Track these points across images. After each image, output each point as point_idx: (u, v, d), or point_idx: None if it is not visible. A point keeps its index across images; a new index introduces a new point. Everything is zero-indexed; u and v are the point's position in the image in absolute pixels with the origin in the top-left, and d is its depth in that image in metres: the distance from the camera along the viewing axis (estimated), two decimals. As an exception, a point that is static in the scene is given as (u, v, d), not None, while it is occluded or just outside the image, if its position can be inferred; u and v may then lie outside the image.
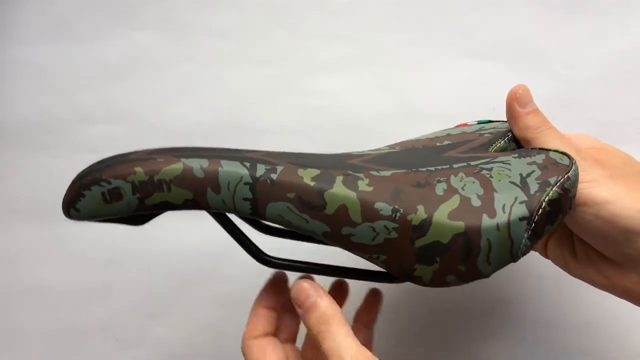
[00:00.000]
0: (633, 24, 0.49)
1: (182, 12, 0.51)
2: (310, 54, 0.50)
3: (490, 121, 0.42)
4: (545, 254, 0.37)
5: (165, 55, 0.50)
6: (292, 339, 0.36)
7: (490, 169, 0.33)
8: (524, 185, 0.31)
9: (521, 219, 0.30)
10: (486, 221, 0.30)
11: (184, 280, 0.48)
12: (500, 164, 0.33)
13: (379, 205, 0.31)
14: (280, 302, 0.35)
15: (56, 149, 0.50)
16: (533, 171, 0.32)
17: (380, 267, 0.32)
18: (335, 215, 0.31)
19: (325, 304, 0.31)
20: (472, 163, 0.34)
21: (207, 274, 0.48)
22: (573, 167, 0.32)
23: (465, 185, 0.32)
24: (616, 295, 0.33)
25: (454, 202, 0.31)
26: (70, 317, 0.48)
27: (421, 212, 0.31)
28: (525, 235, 0.30)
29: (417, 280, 0.32)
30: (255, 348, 0.33)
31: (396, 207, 0.31)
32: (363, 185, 0.32)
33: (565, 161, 0.33)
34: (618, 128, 0.48)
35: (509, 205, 0.31)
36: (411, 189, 0.32)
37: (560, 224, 0.32)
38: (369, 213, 0.31)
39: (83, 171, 0.33)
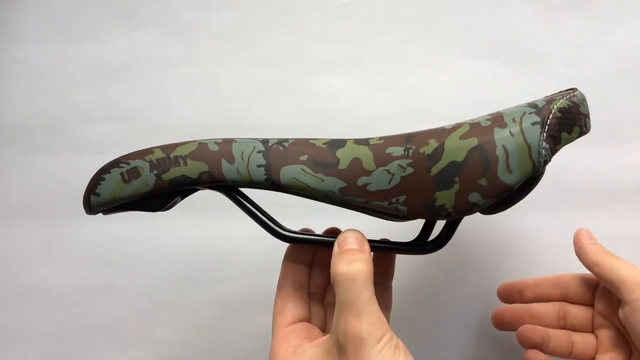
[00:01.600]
0: (633, 24, 0.49)
1: (182, 12, 0.51)
2: (310, 54, 0.50)
3: None
4: None
5: (165, 55, 0.50)
6: (321, 294, 0.37)
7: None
8: (531, 105, 0.32)
9: (533, 123, 0.31)
10: (498, 132, 0.31)
11: (184, 281, 0.48)
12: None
13: (390, 149, 0.32)
14: (308, 259, 0.37)
15: (56, 149, 0.50)
16: (538, 99, 0.33)
17: (402, 213, 0.32)
18: (349, 168, 0.32)
19: (362, 257, 0.30)
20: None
21: (207, 275, 0.48)
22: (578, 90, 0.34)
23: (474, 119, 0.33)
24: None
25: (463, 129, 0.32)
26: (70, 317, 0.48)
27: (432, 143, 0.32)
28: (541, 137, 0.30)
29: (443, 212, 0.31)
30: (279, 300, 0.34)
31: (408, 146, 0.32)
32: (374, 140, 0.33)
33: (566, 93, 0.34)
34: (618, 128, 0.48)
35: (518, 117, 0.31)
36: (422, 132, 0.33)
37: (619, 346, 0.38)
38: (382, 158, 0.32)
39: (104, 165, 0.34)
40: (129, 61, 0.50)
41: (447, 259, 0.47)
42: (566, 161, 0.49)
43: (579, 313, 0.41)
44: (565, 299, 0.41)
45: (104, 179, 0.33)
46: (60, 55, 0.51)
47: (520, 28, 0.50)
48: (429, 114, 0.49)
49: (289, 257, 0.36)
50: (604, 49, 0.49)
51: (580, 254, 0.39)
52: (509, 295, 0.43)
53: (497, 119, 0.32)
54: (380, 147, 0.32)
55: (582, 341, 0.40)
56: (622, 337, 0.38)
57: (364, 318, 0.28)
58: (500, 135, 0.31)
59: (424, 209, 0.32)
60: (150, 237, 0.48)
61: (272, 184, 0.33)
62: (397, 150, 0.32)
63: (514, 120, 0.31)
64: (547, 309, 0.41)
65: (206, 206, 0.48)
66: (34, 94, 0.50)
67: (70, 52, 0.51)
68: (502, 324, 0.42)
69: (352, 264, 0.30)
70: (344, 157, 0.32)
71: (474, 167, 0.31)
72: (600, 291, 0.40)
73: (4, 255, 0.49)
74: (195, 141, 0.33)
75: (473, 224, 0.47)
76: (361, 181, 0.32)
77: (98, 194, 0.33)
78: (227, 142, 0.33)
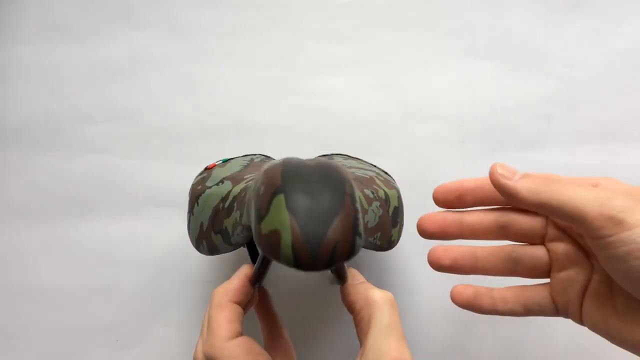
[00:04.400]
0: (633, 24, 0.49)
1: (182, 12, 0.51)
2: (311, 54, 0.50)
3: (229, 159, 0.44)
4: (580, 319, 0.31)
5: (165, 55, 0.50)
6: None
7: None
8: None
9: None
10: (395, 189, 0.40)
11: (183, 280, 0.48)
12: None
13: (366, 191, 0.35)
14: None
15: (56, 149, 0.50)
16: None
17: (376, 247, 0.36)
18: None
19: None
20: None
21: (207, 274, 0.48)
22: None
23: (367, 170, 0.41)
24: None
25: (380, 180, 0.39)
26: (70, 317, 0.48)
27: (379, 190, 0.37)
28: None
29: (393, 244, 0.38)
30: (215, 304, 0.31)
31: (372, 190, 0.36)
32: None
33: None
34: (618, 128, 0.48)
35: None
36: (361, 180, 0.38)
37: (602, 279, 0.30)
38: (368, 199, 0.35)
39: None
40: (129, 61, 0.50)
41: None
42: (566, 161, 0.49)
43: (526, 223, 0.32)
44: (511, 206, 0.33)
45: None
46: (60, 55, 0.51)
47: (520, 28, 0.50)
48: (429, 114, 0.50)
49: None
50: (604, 49, 0.49)
51: (511, 198, 0.29)
52: (445, 200, 0.33)
53: (384, 177, 0.41)
54: (361, 189, 0.34)
55: (530, 257, 0.32)
56: (582, 250, 0.31)
57: (404, 341, 0.28)
58: (399, 190, 0.40)
59: (387, 244, 0.36)
60: (150, 237, 0.48)
61: None
62: (369, 193, 0.35)
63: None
64: (483, 218, 0.33)
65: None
66: (34, 94, 0.50)
67: (70, 52, 0.51)
68: (425, 232, 0.34)
69: (383, 292, 0.30)
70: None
71: (402, 210, 0.39)
72: None
73: (3, 255, 0.49)
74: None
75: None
76: (366, 219, 0.33)
77: (361, 234, 0.28)
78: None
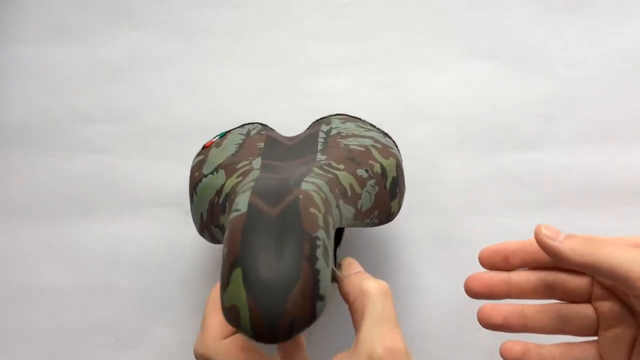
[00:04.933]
0: (633, 24, 0.49)
1: (182, 12, 0.51)
2: (311, 54, 0.50)
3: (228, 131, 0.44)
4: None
5: (165, 55, 0.50)
6: None
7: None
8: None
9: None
10: (395, 153, 0.39)
11: (184, 281, 0.48)
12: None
13: (359, 172, 0.35)
14: None
15: (56, 149, 0.50)
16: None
17: (373, 225, 0.37)
18: (352, 194, 0.34)
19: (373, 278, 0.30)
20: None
21: (207, 274, 0.48)
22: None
23: (362, 136, 0.40)
24: None
25: (376, 149, 0.38)
26: (70, 317, 0.48)
27: (375, 163, 0.36)
28: None
29: (393, 217, 0.39)
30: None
31: (365, 168, 0.36)
32: (337, 165, 0.35)
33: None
34: (618, 128, 0.48)
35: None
36: (356, 153, 0.37)
37: (624, 321, 0.32)
38: (361, 181, 0.35)
39: None
40: (129, 61, 0.50)
41: (446, 259, 0.47)
42: (566, 161, 0.49)
43: (573, 282, 0.34)
44: (557, 266, 0.34)
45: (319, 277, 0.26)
46: (60, 55, 0.51)
47: (520, 28, 0.50)
48: (429, 114, 0.50)
49: None
50: (604, 49, 0.49)
51: (556, 258, 0.31)
52: (491, 262, 0.35)
53: (382, 143, 0.39)
54: (353, 171, 0.35)
55: (578, 316, 0.33)
56: (628, 309, 0.32)
57: (400, 331, 0.28)
58: (398, 155, 0.40)
59: (385, 218, 0.38)
60: (150, 237, 0.48)
61: None
62: (363, 172, 0.35)
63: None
64: (529, 277, 0.34)
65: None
66: (34, 94, 0.50)
67: (70, 52, 0.51)
68: (472, 292, 0.35)
69: (378, 281, 0.30)
70: (344, 181, 0.34)
71: (402, 178, 0.39)
72: None
73: (3, 255, 0.49)
74: None
75: (472, 223, 0.47)
76: (359, 204, 0.34)
77: (323, 297, 0.26)
78: None
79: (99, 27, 0.51)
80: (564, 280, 0.34)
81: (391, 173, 0.37)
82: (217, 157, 0.39)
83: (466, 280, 0.35)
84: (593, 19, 0.49)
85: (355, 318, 0.30)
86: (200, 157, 0.41)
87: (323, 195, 0.29)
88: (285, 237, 0.26)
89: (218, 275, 0.48)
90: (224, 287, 0.25)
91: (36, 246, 0.49)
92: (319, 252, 0.26)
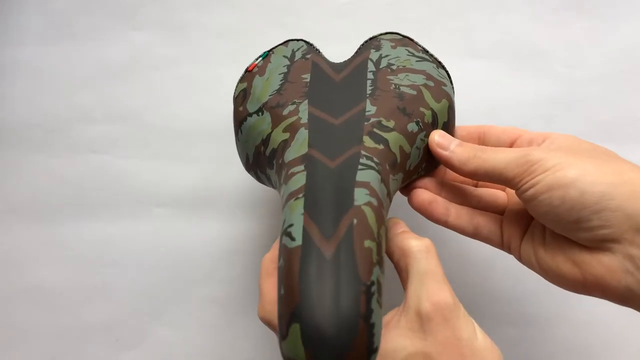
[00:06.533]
0: (633, 24, 0.49)
1: (182, 12, 0.51)
2: (310, 54, 0.50)
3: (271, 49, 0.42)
4: (519, 255, 0.34)
5: (165, 55, 0.50)
6: None
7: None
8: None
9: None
10: (448, 88, 0.37)
11: (184, 280, 0.48)
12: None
13: (409, 127, 0.34)
14: None
15: (56, 149, 0.50)
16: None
17: (419, 176, 0.36)
18: (401, 157, 0.33)
19: (418, 236, 0.32)
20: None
21: (207, 274, 0.48)
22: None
23: (411, 77, 0.37)
24: (587, 293, 0.31)
25: (427, 91, 0.36)
26: (70, 317, 0.48)
27: (426, 111, 0.35)
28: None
29: (439, 164, 0.37)
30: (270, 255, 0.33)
31: (417, 119, 0.34)
32: (386, 122, 0.34)
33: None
34: (618, 128, 0.48)
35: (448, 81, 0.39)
36: (407, 101, 0.35)
37: (529, 218, 0.34)
38: (411, 138, 0.34)
39: None
40: (129, 61, 0.50)
41: (445, 257, 0.47)
42: (566, 161, 0.49)
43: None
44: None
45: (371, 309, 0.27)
46: (60, 55, 0.51)
47: (520, 28, 0.50)
48: (429, 114, 0.49)
49: None
50: (604, 49, 0.49)
51: (449, 168, 0.34)
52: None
53: (435, 80, 0.37)
54: (403, 127, 0.34)
55: (492, 195, 0.37)
56: None
57: (446, 285, 0.29)
58: (451, 92, 0.37)
59: (433, 167, 0.37)
60: (150, 237, 0.48)
61: None
62: (413, 127, 0.34)
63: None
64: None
65: (206, 206, 0.49)
66: (34, 93, 0.50)
67: (70, 52, 0.51)
68: (415, 202, 0.37)
69: (420, 239, 0.31)
70: (394, 146, 0.33)
71: (452, 121, 0.37)
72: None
73: (4, 255, 0.49)
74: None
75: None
76: (407, 164, 0.34)
77: (376, 349, 0.27)
78: None
79: (99, 27, 0.51)
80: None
81: (442, 118, 0.35)
82: (262, 91, 0.37)
83: (413, 191, 0.36)
84: (593, 19, 0.49)
85: (402, 277, 0.31)
86: (244, 85, 0.39)
87: (376, 203, 0.29)
88: (340, 282, 0.26)
89: (218, 275, 0.48)
90: (283, 337, 0.26)
91: (36, 246, 0.49)
92: (374, 302, 0.26)
